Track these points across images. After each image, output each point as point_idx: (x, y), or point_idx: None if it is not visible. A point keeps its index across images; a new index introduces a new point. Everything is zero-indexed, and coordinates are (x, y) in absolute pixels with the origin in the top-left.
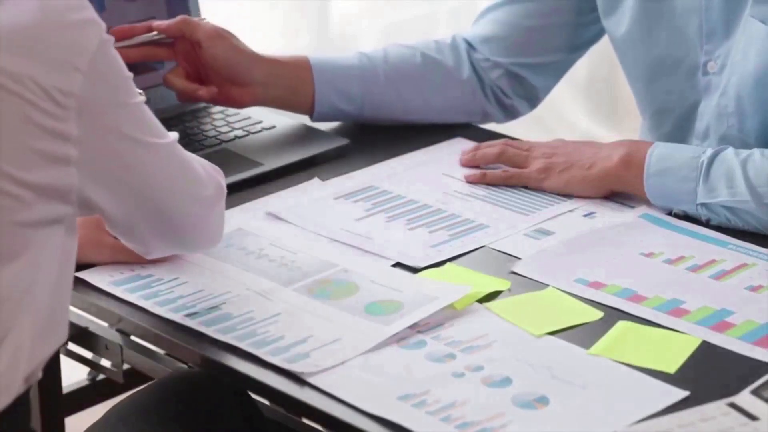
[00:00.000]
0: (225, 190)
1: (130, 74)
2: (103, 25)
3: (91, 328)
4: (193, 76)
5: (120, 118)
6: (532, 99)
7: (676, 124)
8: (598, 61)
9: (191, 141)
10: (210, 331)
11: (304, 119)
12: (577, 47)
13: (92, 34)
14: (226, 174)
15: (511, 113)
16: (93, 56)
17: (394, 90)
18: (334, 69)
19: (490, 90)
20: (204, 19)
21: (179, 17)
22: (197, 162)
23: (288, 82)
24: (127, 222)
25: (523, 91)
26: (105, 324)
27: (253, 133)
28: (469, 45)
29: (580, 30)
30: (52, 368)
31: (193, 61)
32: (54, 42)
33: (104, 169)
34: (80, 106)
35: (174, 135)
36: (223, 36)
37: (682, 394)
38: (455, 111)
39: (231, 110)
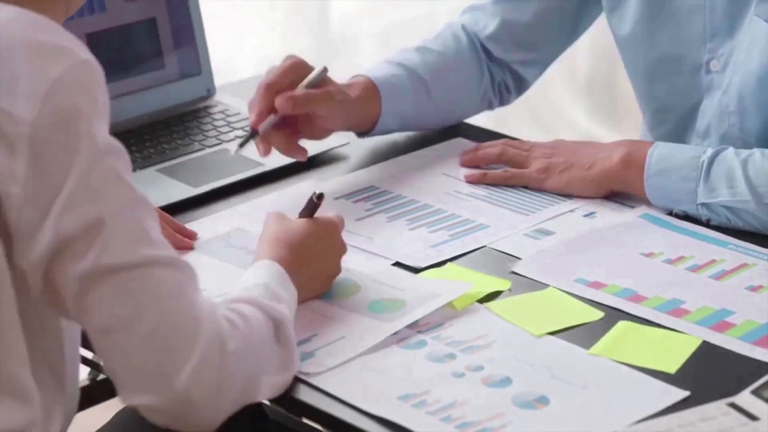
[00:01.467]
0: (230, 349)
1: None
2: (82, 58)
3: None
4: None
5: (79, 167)
6: (523, 89)
7: (678, 123)
8: (598, 61)
9: (191, 141)
10: None
11: None
12: (575, 36)
13: (59, 60)
14: (227, 174)
15: (502, 103)
16: (52, 85)
17: (435, 106)
18: (396, 94)
19: (497, 88)
20: (324, 71)
21: (304, 94)
22: (234, 308)
23: (363, 117)
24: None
25: (518, 84)
26: None
27: None
28: (480, 43)
29: (579, 21)
30: None
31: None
32: (14, 61)
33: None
34: (32, 138)
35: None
36: (335, 100)
37: (682, 394)
38: (472, 113)
39: (231, 110)
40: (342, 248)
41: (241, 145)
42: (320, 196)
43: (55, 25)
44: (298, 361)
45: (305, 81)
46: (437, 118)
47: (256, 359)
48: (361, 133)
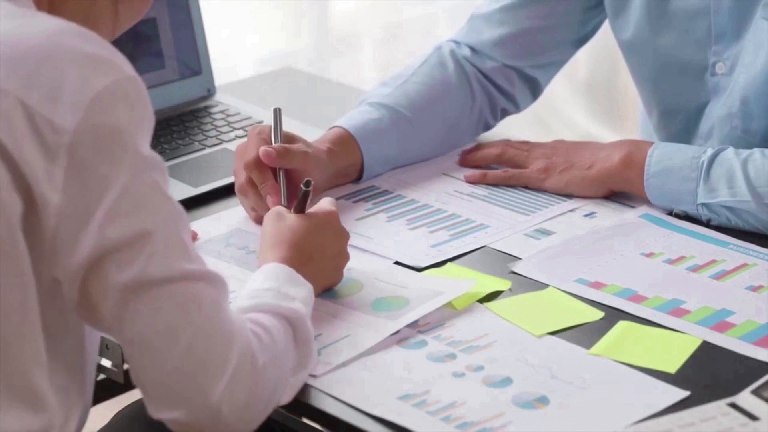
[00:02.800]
0: (259, 364)
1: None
2: (128, 74)
3: None
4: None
5: (122, 177)
6: (538, 92)
7: (684, 125)
8: (598, 61)
9: (192, 141)
10: None
11: (305, 120)
12: (583, 41)
13: (105, 72)
14: (227, 174)
15: (504, 117)
16: (97, 95)
17: (423, 142)
18: (377, 140)
19: (497, 110)
20: (276, 112)
21: (280, 149)
22: (251, 319)
23: (344, 167)
24: (115, 328)
25: (530, 93)
26: None
27: None
28: (475, 53)
29: (585, 25)
30: None
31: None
32: (58, 69)
33: (86, 242)
34: (72, 147)
35: (210, 271)
36: (312, 156)
37: (682, 394)
38: (466, 140)
39: (231, 110)
40: (344, 235)
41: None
42: (308, 183)
43: (103, 39)
44: (315, 355)
45: (273, 132)
46: (428, 152)
47: (281, 369)
48: (349, 182)
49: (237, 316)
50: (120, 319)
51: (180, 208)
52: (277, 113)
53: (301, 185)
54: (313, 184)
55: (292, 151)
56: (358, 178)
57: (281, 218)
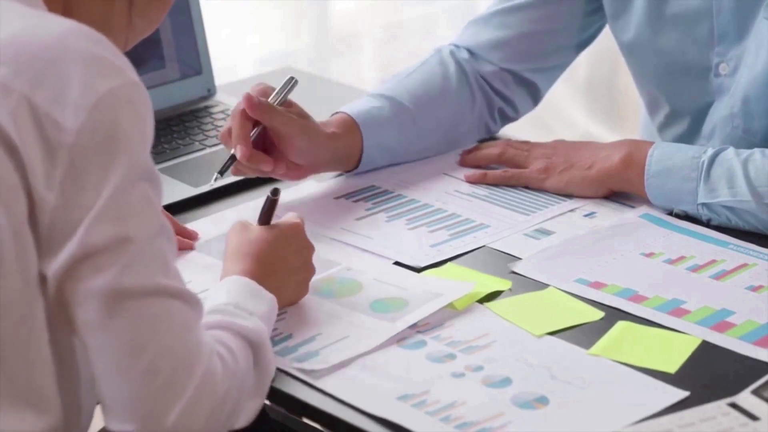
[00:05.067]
0: (220, 392)
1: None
2: (133, 80)
3: None
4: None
5: (114, 182)
6: (539, 97)
7: (688, 126)
8: (598, 61)
9: (192, 141)
10: None
11: None
12: (584, 45)
13: (111, 76)
14: (227, 174)
15: (505, 123)
16: (101, 98)
17: (423, 136)
18: (378, 125)
19: (496, 112)
20: (291, 82)
21: (263, 102)
22: (218, 338)
23: (345, 152)
24: (89, 341)
25: (530, 98)
26: None
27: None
28: (473, 55)
29: (586, 28)
30: None
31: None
32: (66, 70)
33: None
34: (73, 148)
35: (190, 292)
36: (302, 124)
37: (682, 394)
38: (467, 140)
39: (231, 110)
40: (308, 248)
41: (222, 172)
42: (275, 191)
43: (111, 44)
44: (269, 381)
45: (274, 93)
46: (428, 147)
47: (240, 394)
48: (349, 171)
49: (206, 338)
50: (90, 326)
51: (168, 225)
52: (291, 82)
53: (268, 194)
54: (309, 163)
55: (276, 110)
56: (356, 166)
57: (245, 230)
